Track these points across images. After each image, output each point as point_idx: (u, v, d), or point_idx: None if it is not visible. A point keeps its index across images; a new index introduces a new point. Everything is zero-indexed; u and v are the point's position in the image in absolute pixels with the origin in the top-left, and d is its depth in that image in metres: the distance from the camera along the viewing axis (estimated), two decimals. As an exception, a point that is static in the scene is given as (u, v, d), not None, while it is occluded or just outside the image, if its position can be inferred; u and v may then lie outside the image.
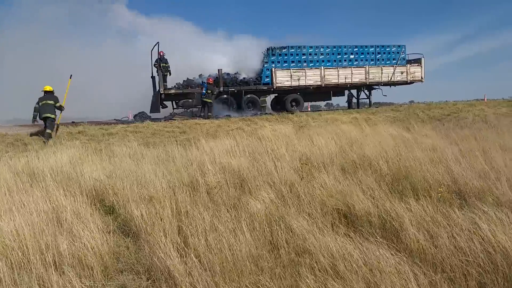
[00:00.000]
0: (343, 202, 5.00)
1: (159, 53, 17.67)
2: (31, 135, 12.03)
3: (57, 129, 12.32)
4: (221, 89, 18.91)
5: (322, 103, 35.57)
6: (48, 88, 12.20)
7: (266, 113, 19.70)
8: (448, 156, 7.23)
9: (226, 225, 4.19)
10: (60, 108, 12.15)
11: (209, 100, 17.27)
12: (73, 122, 16.43)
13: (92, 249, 3.71)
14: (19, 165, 7.87)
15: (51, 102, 11.93)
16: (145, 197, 5.68)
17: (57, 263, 3.48)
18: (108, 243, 4.02)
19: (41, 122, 11.82)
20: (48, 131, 11.52)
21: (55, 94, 12.14)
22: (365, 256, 3.24)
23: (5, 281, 3.20)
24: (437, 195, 5.11)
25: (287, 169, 7.07)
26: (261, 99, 20.36)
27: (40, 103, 11.81)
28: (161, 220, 4.60)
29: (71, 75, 13.07)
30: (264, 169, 7.25)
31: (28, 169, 7.47)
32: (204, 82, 17.89)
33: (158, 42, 17.78)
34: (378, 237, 3.76)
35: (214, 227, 4.20)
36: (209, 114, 17.31)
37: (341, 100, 25.08)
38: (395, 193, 5.35)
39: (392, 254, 3.29)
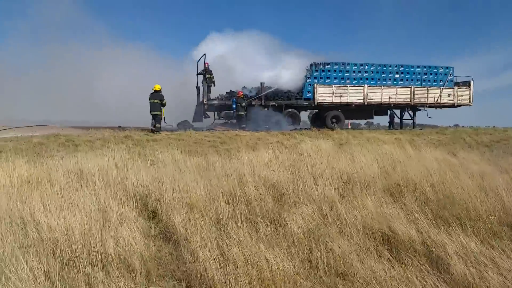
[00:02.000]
0: (386, 225, 4.86)
1: (205, 64, 18.15)
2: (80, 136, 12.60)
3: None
4: (263, 102, 19.09)
5: (362, 121, 35.01)
6: (157, 87, 14.67)
7: (302, 128, 19.60)
8: (498, 184, 6.88)
9: (265, 239, 4.19)
10: (162, 105, 14.60)
11: (240, 113, 17.68)
12: (119, 126, 17.10)
13: (136, 252, 3.82)
14: (69, 165, 8.26)
15: (158, 101, 14.45)
16: (186, 204, 5.79)
17: (103, 263, 3.61)
18: (150, 248, 4.12)
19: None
20: (157, 125, 14.42)
21: (161, 93, 14.59)
22: (412, 284, 3.13)
23: (54, 278, 3.34)
24: (486, 226, 4.86)
25: (328, 186, 6.98)
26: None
27: (150, 101, 14.40)
28: (201, 228, 4.67)
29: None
30: (303, 184, 7.20)
31: (77, 170, 7.82)
32: (234, 97, 18.35)
33: (204, 54, 18.27)
34: (423, 266, 3.62)
35: (253, 240, 4.20)
36: (242, 125, 17.65)
37: (381, 120, 24.59)
38: (441, 221, 5.14)
39: (437, 286, 3.16)
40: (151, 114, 14.43)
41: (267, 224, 4.86)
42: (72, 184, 6.52)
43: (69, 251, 3.72)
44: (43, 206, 5.13)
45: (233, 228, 4.58)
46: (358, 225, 4.93)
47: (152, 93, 14.51)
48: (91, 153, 9.58)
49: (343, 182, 7.01)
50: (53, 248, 3.81)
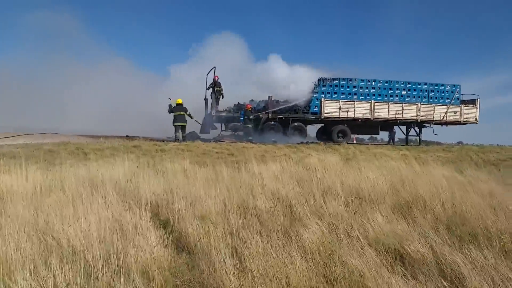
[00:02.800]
0: (398, 241, 4.89)
1: (214, 77, 18.40)
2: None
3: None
4: (270, 115, 19.24)
5: (365, 136, 35.09)
6: (179, 101, 16.65)
7: (309, 141, 19.68)
8: (509, 204, 6.89)
9: (279, 252, 4.22)
10: (190, 116, 16.92)
11: (247, 125, 17.90)
12: (127, 136, 17.25)
13: (154, 262, 3.87)
14: (80, 173, 8.35)
15: (183, 113, 16.54)
16: (198, 214, 5.84)
17: (122, 272, 3.65)
18: (166, 257, 4.17)
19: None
20: (183, 134, 16.66)
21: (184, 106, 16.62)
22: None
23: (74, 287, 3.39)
24: (499, 244, 4.87)
25: (337, 201, 7.02)
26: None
27: (175, 113, 16.44)
28: (215, 239, 4.72)
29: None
30: (312, 198, 7.23)
31: (89, 178, 7.90)
32: (242, 110, 18.58)
33: (214, 67, 18.55)
34: (439, 282, 3.64)
35: (267, 252, 4.24)
36: (249, 138, 17.82)
37: (385, 135, 24.58)
38: (454, 238, 5.16)
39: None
40: (174, 125, 16.54)
41: (279, 238, 4.90)
42: (84, 192, 6.59)
43: (88, 260, 3.78)
44: (58, 214, 5.19)
45: (246, 240, 4.62)
46: (370, 241, 4.96)
47: (175, 107, 16.54)
48: (101, 162, 9.68)
49: (355, 198, 7.02)
50: (71, 256, 3.86)
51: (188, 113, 16.80)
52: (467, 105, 21.57)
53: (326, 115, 19.79)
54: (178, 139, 16.34)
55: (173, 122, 16.54)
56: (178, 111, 16.53)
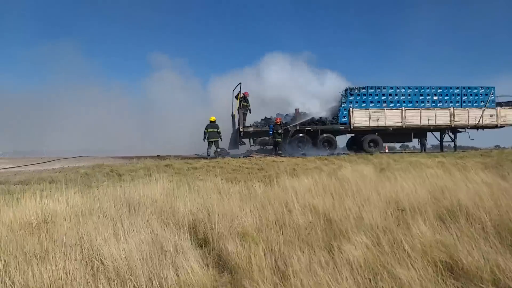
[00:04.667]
0: (446, 253, 4.66)
1: (243, 93, 18.60)
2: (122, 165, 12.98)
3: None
4: (298, 127, 19.14)
5: (397, 144, 34.35)
6: (212, 118, 17.61)
7: (340, 153, 19.39)
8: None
9: (324, 269, 4.10)
10: (219, 135, 17.63)
11: (276, 139, 17.80)
12: (158, 155, 17.54)
13: (196, 282, 3.83)
14: (116, 194, 8.49)
15: (215, 129, 17.46)
16: (236, 232, 5.78)
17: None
18: (208, 277, 4.12)
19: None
20: (216, 150, 17.49)
21: (216, 123, 17.63)
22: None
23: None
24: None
25: (376, 213, 6.80)
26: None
27: (208, 130, 17.42)
28: (255, 256, 4.64)
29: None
30: (350, 211, 7.04)
31: (125, 198, 8.02)
32: (271, 124, 18.57)
33: (240, 83, 18.71)
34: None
35: (312, 269, 4.12)
36: (278, 152, 17.71)
37: (416, 142, 23.84)
38: (506, 248, 4.87)
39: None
40: (208, 141, 17.51)
41: (321, 253, 4.77)
42: (122, 214, 6.67)
43: (132, 280, 3.78)
44: (100, 236, 5.26)
45: (288, 256, 4.52)
46: (417, 253, 4.75)
47: (208, 124, 17.49)
48: (135, 182, 9.82)
49: (395, 209, 6.79)
50: (116, 276, 3.88)
51: (218, 130, 17.61)
52: (503, 107, 20.77)
53: (355, 125, 19.51)
54: (209, 155, 17.07)
55: (207, 138, 17.50)
56: (210, 128, 17.42)
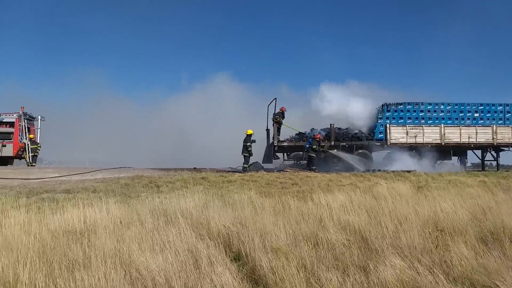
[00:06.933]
0: (488, 277, 4.48)
1: (280, 108, 18.77)
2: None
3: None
4: (332, 143, 18.99)
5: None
6: (249, 131, 17.16)
7: (376, 169, 18.98)
8: None
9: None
10: (246, 147, 16.91)
11: (311, 154, 17.65)
12: (194, 168, 17.88)
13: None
14: (154, 205, 8.74)
15: (244, 143, 16.95)
16: (269, 246, 5.80)
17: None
18: (243, 292, 4.17)
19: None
20: (244, 165, 16.92)
21: (249, 137, 17.05)
22: None
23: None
24: None
25: (414, 233, 6.62)
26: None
27: (244, 143, 16.94)
28: (288, 273, 4.64)
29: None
30: (387, 230, 6.91)
31: (162, 210, 8.23)
32: (310, 138, 18.46)
33: (275, 98, 18.87)
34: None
35: (346, 288, 4.09)
36: (312, 167, 17.55)
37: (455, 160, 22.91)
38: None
39: None
40: (242, 155, 17.04)
41: (356, 272, 4.71)
42: (159, 225, 6.85)
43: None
44: (138, 246, 5.44)
45: (322, 275, 4.50)
46: (457, 277, 4.61)
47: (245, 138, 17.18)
48: (173, 194, 10.06)
49: (437, 230, 6.57)
50: (154, 287, 4.00)
51: (244, 144, 17.11)
52: (550, 125, 19.74)
53: (392, 141, 19.12)
54: (244, 170, 16.78)
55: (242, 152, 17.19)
56: (244, 142, 17.08)
